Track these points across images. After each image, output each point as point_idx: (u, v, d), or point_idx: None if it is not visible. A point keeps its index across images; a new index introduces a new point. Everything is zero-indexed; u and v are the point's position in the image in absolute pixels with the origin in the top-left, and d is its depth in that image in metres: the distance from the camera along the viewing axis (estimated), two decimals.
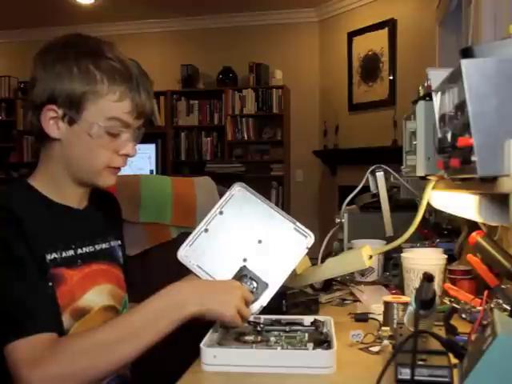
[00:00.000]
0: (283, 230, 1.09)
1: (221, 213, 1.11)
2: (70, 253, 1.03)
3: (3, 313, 0.89)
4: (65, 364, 0.86)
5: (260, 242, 1.09)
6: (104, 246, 1.13)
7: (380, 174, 1.79)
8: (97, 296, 1.07)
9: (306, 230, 1.09)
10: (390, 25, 4.75)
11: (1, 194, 1.04)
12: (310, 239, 1.09)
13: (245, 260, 1.08)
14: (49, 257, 0.99)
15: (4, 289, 0.90)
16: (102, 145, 1.02)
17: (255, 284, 1.06)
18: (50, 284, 0.97)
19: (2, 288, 0.90)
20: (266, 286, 1.06)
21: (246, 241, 1.09)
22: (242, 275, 1.07)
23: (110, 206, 1.25)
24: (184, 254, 1.08)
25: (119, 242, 1.21)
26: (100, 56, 1.01)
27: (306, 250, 1.09)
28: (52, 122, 1.01)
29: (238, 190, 1.12)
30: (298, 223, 1.10)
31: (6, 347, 0.86)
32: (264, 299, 1.06)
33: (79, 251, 1.05)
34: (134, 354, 0.91)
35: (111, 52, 1.03)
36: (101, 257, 1.11)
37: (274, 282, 1.07)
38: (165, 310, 0.94)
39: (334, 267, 1.29)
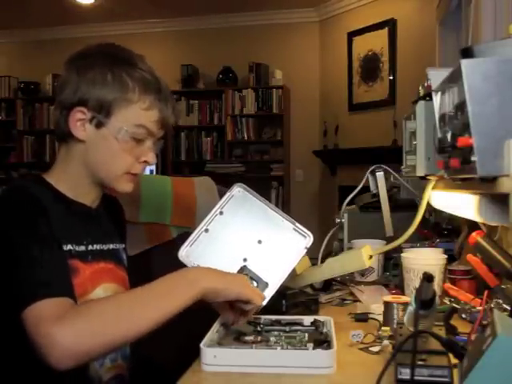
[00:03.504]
0: (283, 231, 1.10)
1: (221, 213, 1.11)
2: (82, 248, 1.06)
3: (26, 276, 0.88)
4: (92, 320, 0.86)
5: (260, 242, 1.10)
6: (111, 246, 1.16)
7: (380, 174, 1.79)
8: (103, 294, 1.08)
9: (306, 230, 1.10)
10: (390, 25, 4.74)
11: (23, 185, 1.06)
12: (309, 239, 1.09)
13: (245, 260, 1.08)
14: (64, 247, 1.01)
15: (32, 254, 0.89)
16: (126, 150, 1.06)
17: (255, 284, 1.07)
18: None
19: (29, 253, 0.89)
20: (266, 285, 1.07)
21: (246, 241, 1.09)
22: (243, 275, 1.07)
23: (116, 210, 1.27)
24: (185, 253, 1.09)
25: (123, 245, 1.23)
26: (133, 66, 1.06)
27: (305, 250, 1.10)
28: (79, 123, 1.04)
29: (237, 191, 1.12)
30: (297, 223, 1.11)
31: (27, 309, 0.84)
32: None
33: (90, 247, 1.08)
34: (154, 319, 0.90)
35: (143, 63, 1.08)
36: (108, 256, 1.13)
37: (274, 281, 1.07)
38: (180, 282, 0.95)
39: (333, 267, 1.30)
